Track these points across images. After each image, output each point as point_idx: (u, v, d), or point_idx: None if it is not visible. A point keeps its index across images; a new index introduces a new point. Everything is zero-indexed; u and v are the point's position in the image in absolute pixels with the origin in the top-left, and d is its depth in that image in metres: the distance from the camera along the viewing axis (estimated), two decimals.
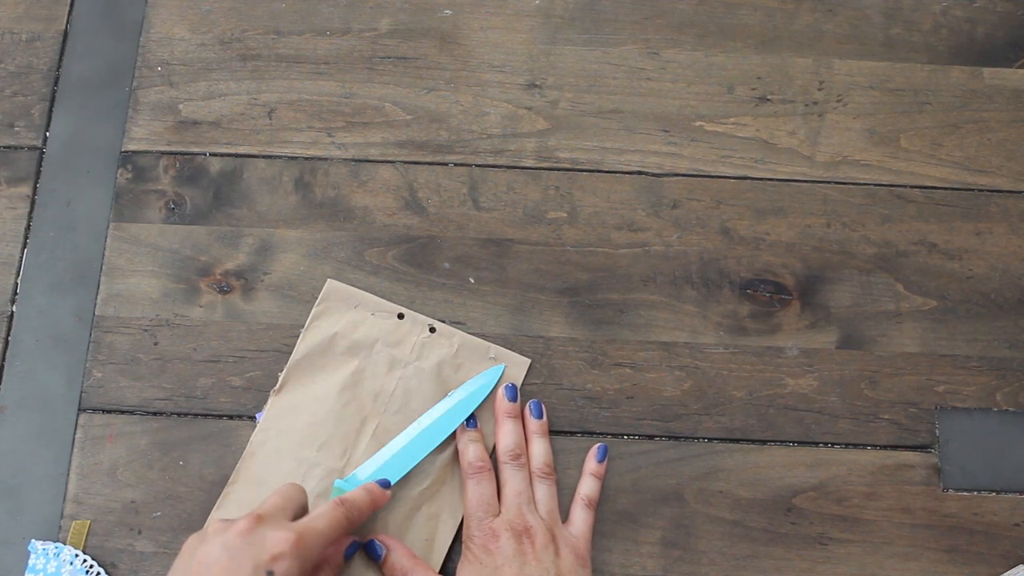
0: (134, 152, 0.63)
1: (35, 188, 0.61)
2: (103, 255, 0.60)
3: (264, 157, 0.62)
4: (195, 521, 0.55)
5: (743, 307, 0.60)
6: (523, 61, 0.65)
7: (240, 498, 0.54)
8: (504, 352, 0.58)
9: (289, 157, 0.62)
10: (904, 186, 0.62)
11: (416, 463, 0.54)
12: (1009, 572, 0.53)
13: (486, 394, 0.56)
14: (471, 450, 0.54)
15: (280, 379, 0.57)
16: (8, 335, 0.58)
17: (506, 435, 0.55)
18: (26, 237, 0.60)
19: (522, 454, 0.55)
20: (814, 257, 0.61)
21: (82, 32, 0.65)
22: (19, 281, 0.59)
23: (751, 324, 0.60)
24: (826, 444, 0.57)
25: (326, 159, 0.62)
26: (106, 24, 0.65)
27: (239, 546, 0.44)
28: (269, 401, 0.56)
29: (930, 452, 0.56)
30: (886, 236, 0.61)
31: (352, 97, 0.64)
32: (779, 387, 0.58)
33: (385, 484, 0.53)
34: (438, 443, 0.55)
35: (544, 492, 0.54)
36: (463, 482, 0.54)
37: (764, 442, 0.57)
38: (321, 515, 0.48)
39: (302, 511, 0.50)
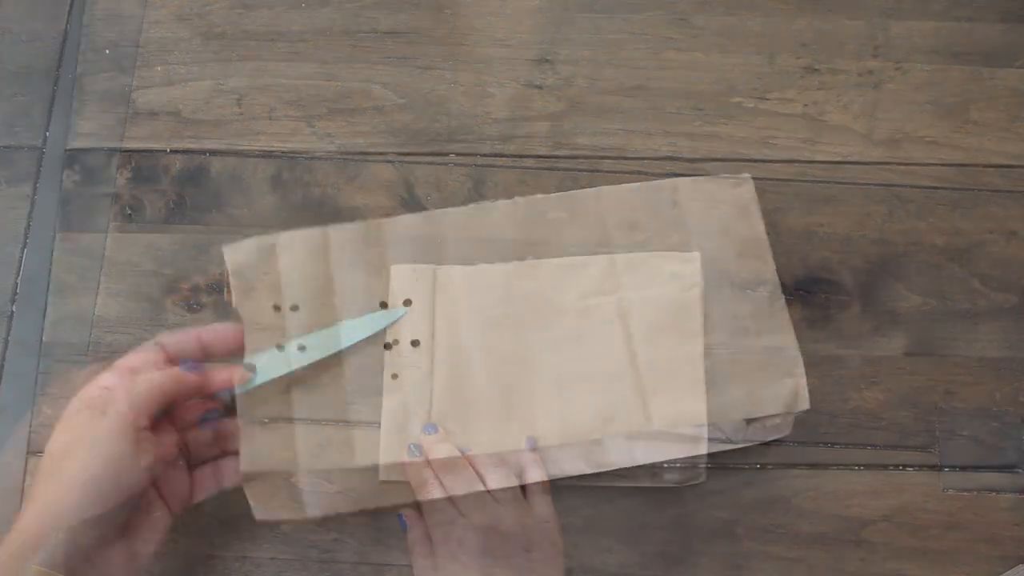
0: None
1: (35, 188, 0.61)
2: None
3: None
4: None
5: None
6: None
7: None
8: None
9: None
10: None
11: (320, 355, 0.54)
12: (1009, 572, 0.55)
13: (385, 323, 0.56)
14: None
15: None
16: (8, 335, 0.58)
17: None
18: (26, 237, 0.60)
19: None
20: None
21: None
22: (19, 281, 0.59)
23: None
24: (826, 444, 0.56)
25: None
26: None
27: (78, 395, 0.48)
28: None
29: (930, 452, 0.56)
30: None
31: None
32: None
33: (250, 367, 0.53)
34: (345, 343, 0.55)
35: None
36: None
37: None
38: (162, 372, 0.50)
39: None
